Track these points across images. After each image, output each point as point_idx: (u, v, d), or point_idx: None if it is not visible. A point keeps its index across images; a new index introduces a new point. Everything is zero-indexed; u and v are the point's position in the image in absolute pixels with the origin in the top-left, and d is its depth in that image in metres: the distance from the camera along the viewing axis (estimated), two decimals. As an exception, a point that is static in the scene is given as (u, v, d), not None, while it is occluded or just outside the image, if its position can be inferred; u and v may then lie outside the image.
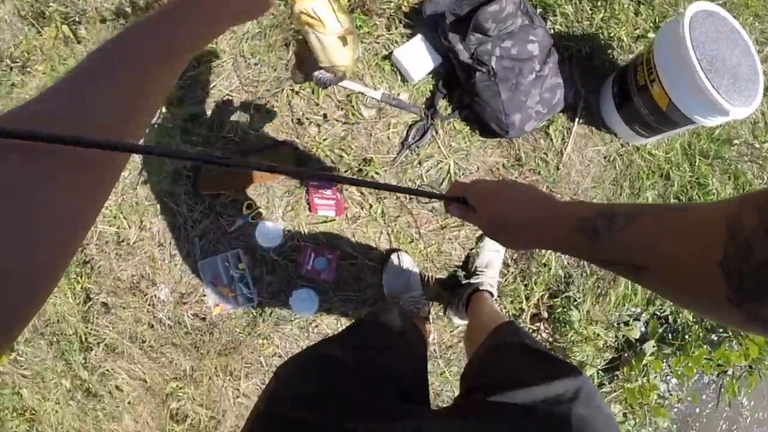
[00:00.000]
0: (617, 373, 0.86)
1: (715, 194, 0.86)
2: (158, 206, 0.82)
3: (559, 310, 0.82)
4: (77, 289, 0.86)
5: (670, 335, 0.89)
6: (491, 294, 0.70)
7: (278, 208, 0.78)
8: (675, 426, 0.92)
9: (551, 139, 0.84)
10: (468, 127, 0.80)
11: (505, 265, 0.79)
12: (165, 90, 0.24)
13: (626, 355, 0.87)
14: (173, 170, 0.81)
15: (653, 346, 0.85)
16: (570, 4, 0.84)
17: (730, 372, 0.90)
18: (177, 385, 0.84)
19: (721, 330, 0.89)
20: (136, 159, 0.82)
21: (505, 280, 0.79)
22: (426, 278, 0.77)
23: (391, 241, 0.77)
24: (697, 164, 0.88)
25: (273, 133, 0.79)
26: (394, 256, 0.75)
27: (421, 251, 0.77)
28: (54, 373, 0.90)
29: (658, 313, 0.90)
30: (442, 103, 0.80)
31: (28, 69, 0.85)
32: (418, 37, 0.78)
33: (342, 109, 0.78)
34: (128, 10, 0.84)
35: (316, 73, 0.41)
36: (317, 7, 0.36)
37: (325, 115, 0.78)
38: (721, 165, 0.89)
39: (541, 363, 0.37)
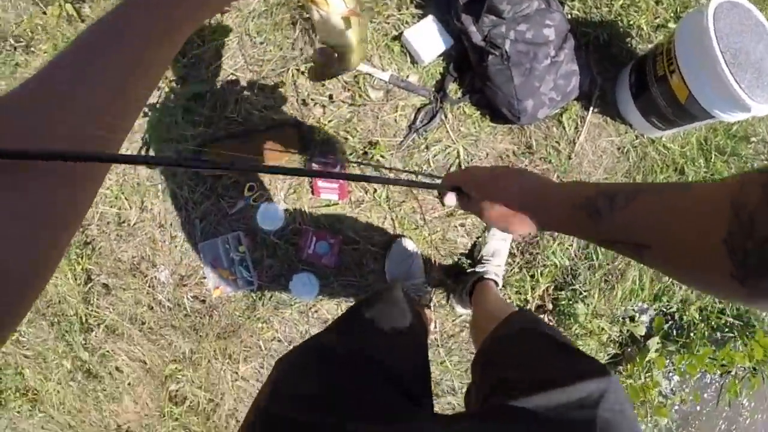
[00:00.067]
0: (620, 368, 0.85)
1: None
2: (159, 187, 0.81)
3: (564, 303, 0.80)
4: (78, 270, 0.86)
5: (675, 332, 0.88)
6: (496, 283, 0.69)
7: (280, 190, 0.76)
8: (675, 423, 0.91)
9: (564, 128, 0.81)
10: (478, 112, 0.78)
11: (511, 255, 0.77)
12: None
13: (630, 350, 0.85)
14: (174, 150, 0.79)
15: (658, 343, 0.84)
16: (589, -13, 0.81)
17: (733, 372, 0.89)
18: (176, 368, 0.84)
19: (726, 330, 0.88)
20: (138, 140, 0.81)
21: (511, 271, 0.77)
22: (429, 265, 0.75)
23: (395, 226, 0.76)
24: (712, 160, 0.85)
25: (277, 113, 0.77)
26: (397, 242, 0.73)
27: (426, 238, 0.75)
28: (55, 354, 0.90)
29: (665, 310, 0.88)
30: (452, 87, 0.77)
31: (32, 48, 0.84)
32: (430, 17, 0.75)
33: (348, 90, 0.76)
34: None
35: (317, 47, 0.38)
36: None
37: (331, 96, 0.76)
38: (737, 162, 0.86)
39: (565, 359, 0.35)
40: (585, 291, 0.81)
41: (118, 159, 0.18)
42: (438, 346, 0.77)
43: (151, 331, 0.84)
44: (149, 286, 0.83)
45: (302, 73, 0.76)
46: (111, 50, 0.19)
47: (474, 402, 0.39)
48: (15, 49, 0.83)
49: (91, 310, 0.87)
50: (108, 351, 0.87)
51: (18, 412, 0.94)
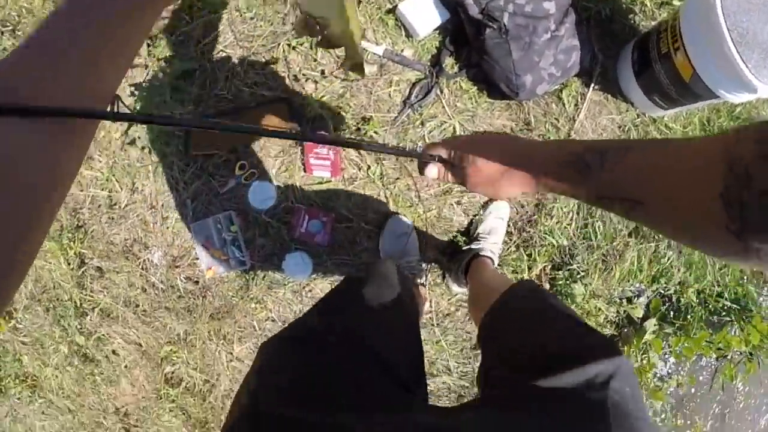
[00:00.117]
0: (617, 350, 0.84)
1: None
2: (150, 168, 0.79)
3: (561, 283, 0.79)
4: (70, 255, 0.85)
5: (672, 314, 0.87)
6: (492, 261, 0.67)
7: (272, 168, 0.75)
8: (669, 405, 0.92)
9: (564, 104, 0.79)
10: (475, 87, 0.75)
11: (508, 233, 0.76)
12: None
13: (626, 331, 0.85)
14: (164, 130, 0.77)
15: (654, 325, 0.83)
16: (591, -43, 0.78)
17: (729, 356, 0.89)
18: (171, 349, 0.84)
19: (723, 313, 0.87)
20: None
21: (507, 249, 0.76)
22: (425, 243, 0.74)
23: (389, 204, 0.74)
24: (715, 139, 0.83)
25: (268, 90, 0.75)
26: (391, 220, 0.72)
27: (421, 216, 0.74)
28: (52, 339, 0.90)
29: (662, 291, 0.88)
30: (448, 61, 0.75)
31: (19, 32, 0.81)
32: (425, -12, 0.72)
33: (341, 64, 0.74)
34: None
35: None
36: None
37: (323, 71, 0.74)
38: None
39: (572, 333, 0.33)
40: (583, 271, 0.80)
41: (124, 117, 0.18)
42: (433, 325, 0.77)
43: (145, 313, 0.83)
44: (142, 269, 0.82)
45: (293, 48, 0.74)
46: (89, 20, 0.19)
47: (477, 380, 0.38)
48: (2, 33, 0.81)
49: (86, 295, 0.86)
50: (103, 335, 0.87)
51: (18, 398, 0.95)
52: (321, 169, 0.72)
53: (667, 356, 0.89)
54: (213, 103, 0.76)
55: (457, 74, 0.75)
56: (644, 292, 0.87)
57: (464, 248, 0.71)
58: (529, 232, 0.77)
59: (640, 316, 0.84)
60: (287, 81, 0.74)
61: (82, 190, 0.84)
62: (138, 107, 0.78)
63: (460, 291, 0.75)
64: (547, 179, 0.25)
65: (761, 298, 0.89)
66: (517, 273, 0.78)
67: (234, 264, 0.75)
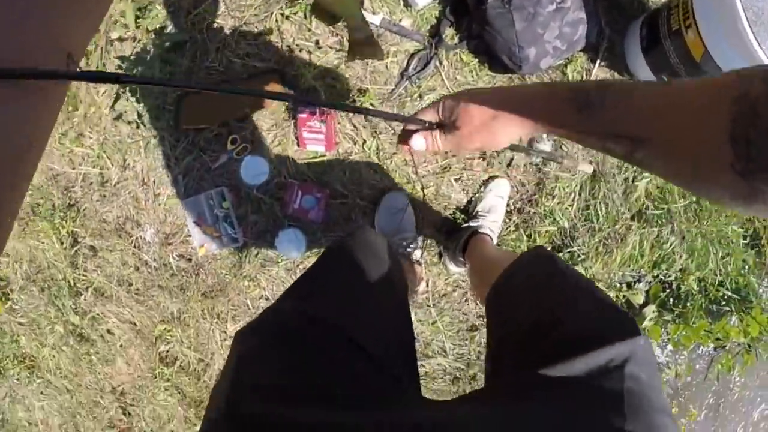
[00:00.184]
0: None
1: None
2: (141, 143, 0.78)
3: (561, 265, 0.78)
4: (63, 234, 0.84)
5: (671, 301, 0.86)
6: (491, 239, 0.66)
7: (264, 142, 0.73)
8: (665, 393, 0.91)
9: (568, 80, 0.76)
10: (476, 60, 0.72)
11: (508, 212, 0.74)
12: None
13: (627, 316, 0.84)
14: (154, 105, 0.75)
15: (654, 312, 0.82)
16: None
17: (727, 347, 0.88)
18: (165, 328, 0.83)
19: (723, 303, 0.86)
20: (112, 93, 0.77)
21: (507, 230, 0.74)
22: (421, 220, 0.72)
23: (385, 179, 0.72)
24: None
25: (260, 61, 0.72)
26: (387, 196, 0.70)
27: (418, 192, 0.72)
28: (47, 320, 0.90)
29: (663, 278, 0.86)
30: (448, 32, 0.72)
31: None
32: (424, -46, 0.69)
33: (336, 35, 0.71)
34: None
35: None
36: None
37: (317, 42, 0.71)
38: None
39: (585, 312, 0.29)
40: (583, 254, 0.78)
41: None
42: (429, 306, 0.75)
43: (138, 292, 0.83)
44: (135, 247, 0.81)
45: (287, 17, 0.71)
46: None
47: (486, 363, 0.35)
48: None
49: (79, 274, 0.86)
50: (98, 314, 0.87)
51: (17, 379, 0.95)
52: (315, 143, 0.70)
53: (665, 344, 0.88)
54: (204, 76, 0.73)
55: (458, 45, 0.72)
56: (644, 278, 0.85)
57: (463, 226, 0.69)
58: (529, 212, 0.75)
59: (641, 302, 0.82)
60: (280, 52, 0.71)
61: (73, 168, 0.83)
62: (132, 84, 0.76)
63: (457, 271, 0.73)
64: (546, 116, 0.24)
65: (761, 290, 0.87)
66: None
67: (226, 241, 0.73)
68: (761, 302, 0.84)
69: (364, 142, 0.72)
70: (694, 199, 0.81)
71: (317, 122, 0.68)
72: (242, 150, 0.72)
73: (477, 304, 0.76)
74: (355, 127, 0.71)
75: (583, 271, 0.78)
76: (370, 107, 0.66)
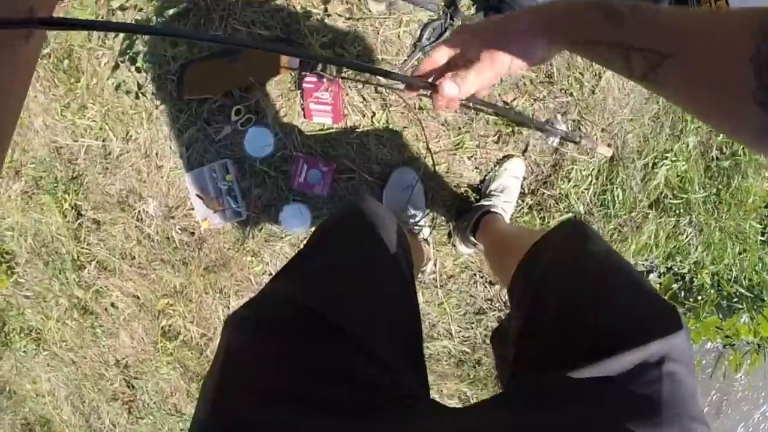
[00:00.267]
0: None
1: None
2: (143, 115, 0.76)
3: (574, 250, 0.75)
4: (65, 207, 0.84)
5: (683, 294, 0.83)
6: (503, 219, 0.63)
7: (269, 113, 0.70)
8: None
9: None
10: (493, 31, 0.68)
11: (521, 193, 0.71)
12: None
13: (638, 306, 0.81)
14: (156, 74, 0.73)
15: (666, 303, 0.79)
16: None
17: (736, 345, 0.85)
18: (168, 302, 0.83)
19: (735, 299, 0.82)
20: (110, 61, 0.74)
21: (519, 211, 0.71)
22: (431, 198, 0.69)
23: (394, 155, 0.70)
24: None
25: (266, 29, 0.69)
26: (396, 172, 0.67)
27: (429, 169, 0.69)
28: (52, 293, 0.91)
29: (676, 269, 0.83)
30: (464, 1, 0.67)
31: None
32: None
33: (346, 2, 0.67)
34: None
35: None
36: None
37: (326, 9, 0.67)
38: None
39: (624, 303, 0.26)
40: (597, 240, 0.75)
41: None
42: (436, 287, 0.74)
43: (141, 266, 0.82)
44: (137, 220, 0.80)
45: (295, -19, 0.67)
46: None
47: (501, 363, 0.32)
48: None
49: (83, 248, 0.85)
50: (101, 287, 0.87)
51: (24, 351, 0.97)
52: (322, 114, 0.67)
53: (675, 335, 0.86)
54: (207, 46, 0.70)
55: (474, 16, 0.67)
56: (657, 269, 0.82)
57: (474, 205, 0.66)
58: (543, 194, 0.72)
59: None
60: (287, 19, 0.68)
61: (76, 141, 0.81)
62: (130, 51, 0.73)
63: (466, 252, 0.71)
64: (574, 25, 0.23)
65: (775, 290, 0.84)
66: (527, 237, 0.74)
67: (230, 215, 0.72)
68: (774, 302, 0.81)
69: (374, 114, 0.68)
70: (714, 190, 0.77)
71: (325, 93, 0.65)
72: (247, 121, 0.70)
73: (485, 286, 0.74)
74: (364, 98, 0.68)
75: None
76: (380, 78, 0.62)
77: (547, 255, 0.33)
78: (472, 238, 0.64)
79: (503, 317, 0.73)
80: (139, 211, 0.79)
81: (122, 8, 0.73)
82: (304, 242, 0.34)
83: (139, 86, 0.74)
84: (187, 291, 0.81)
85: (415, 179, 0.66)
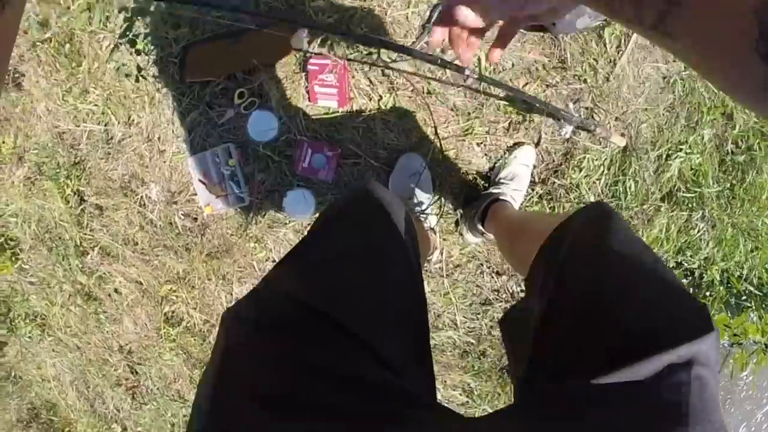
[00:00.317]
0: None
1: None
2: (145, 98, 0.74)
3: (583, 241, 0.73)
4: (68, 193, 0.83)
5: (692, 290, 0.81)
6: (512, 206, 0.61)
7: (273, 97, 0.68)
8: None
9: (605, 44, 0.69)
10: (506, 11, 0.65)
11: (531, 182, 0.69)
12: None
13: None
14: (158, 57, 0.71)
15: (675, 297, 0.77)
16: None
17: (743, 344, 0.83)
18: (171, 288, 0.83)
19: (743, 298, 0.81)
20: (111, 43, 0.73)
21: (529, 200, 0.70)
22: (438, 185, 0.68)
23: (401, 140, 0.68)
24: None
25: (269, 9, 0.66)
26: (403, 158, 0.66)
27: (436, 155, 0.67)
28: (56, 279, 0.91)
29: (686, 265, 0.81)
30: (476, -21, 0.64)
31: None
32: None
33: (353, -20, 0.65)
34: None
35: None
36: None
37: (332, -13, 0.65)
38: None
39: (655, 298, 0.24)
40: (607, 232, 0.73)
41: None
42: (442, 276, 0.72)
43: (144, 252, 0.82)
44: (140, 205, 0.79)
45: (300, -41, 0.65)
46: None
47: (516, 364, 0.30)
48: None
49: (85, 234, 0.85)
50: (104, 273, 0.87)
51: (29, 337, 0.97)
52: (327, 98, 0.66)
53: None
54: (210, 27, 0.68)
55: (487, -5, 0.65)
56: (666, 263, 0.80)
57: (483, 193, 0.65)
58: (554, 183, 0.70)
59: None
60: (291, 0, 0.66)
61: (78, 126, 0.80)
62: (130, 33, 0.72)
63: (473, 241, 0.69)
64: None
65: (786, 290, 0.82)
66: (535, 227, 0.72)
67: (233, 200, 0.71)
68: (784, 302, 0.79)
69: (380, 98, 0.66)
70: (728, 185, 0.75)
71: (330, 75, 0.63)
72: (250, 105, 0.68)
73: (492, 277, 0.73)
74: (370, 81, 0.66)
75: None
76: (388, 60, 0.60)
77: (569, 240, 0.30)
78: (480, 227, 0.62)
79: (514, 303, 0.71)
80: (141, 197, 0.79)
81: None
82: (308, 228, 0.33)
83: (139, 69, 0.73)
84: (189, 277, 0.81)
85: (422, 165, 0.65)
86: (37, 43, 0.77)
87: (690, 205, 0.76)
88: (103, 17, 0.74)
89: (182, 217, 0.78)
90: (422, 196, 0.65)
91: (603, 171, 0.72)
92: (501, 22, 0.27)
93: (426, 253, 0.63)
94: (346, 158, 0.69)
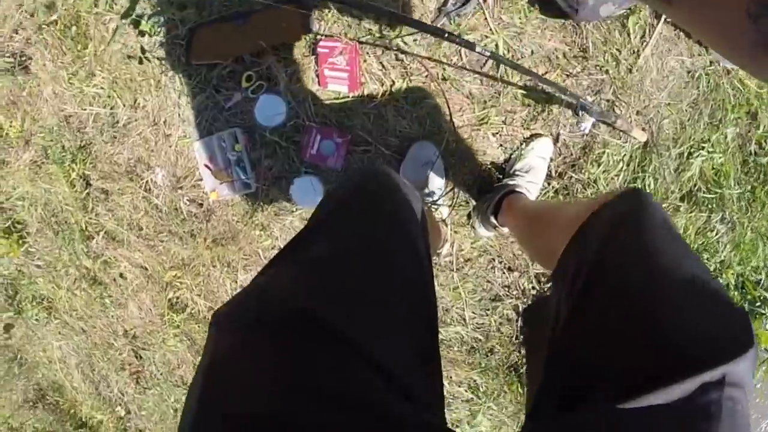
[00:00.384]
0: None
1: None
2: (151, 82, 0.73)
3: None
4: (73, 177, 0.83)
5: None
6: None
7: (282, 80, 0.66)
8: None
9: (628, 34, 0.65)
10: (526, 0, 0.62)
11: (548, 176, 0.67)
12: None
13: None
14: (164, 39, 0.69)
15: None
16: None
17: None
18: (175, 275, 0.82)
19: (758, 304, 0.78)
20: (114, 25, 0.71)
21: (544, 193, 0.67)
22: (451, 176, 0.66)
23: (414, 127, 0.66)
24: (794, 107, 0.69)
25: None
26: (415, 146, 0.63)
27: (450, 144, 0.65)
28: (62, 263, 0.91)
29: None
30: (497, -40, 0.61)
31: None
32: None
33: (368, -41, 0.62)
34: None
35: None
36: None
37: (345, -33, 0.62)
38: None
39: (696, 312, 0.22)
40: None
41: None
42: (452, 270, 0.70)
43: (149, 237, 0.81)
44: (145, 190, 0.78)
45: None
46: None
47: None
48: None
49: (91, 218, 0.85)
50: (110, 258, 0.86)
51: (36, 320, 0.98)
52: (337, 82, 0.63)
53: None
54: (216, 8, 0.66)
55: (507, -22, 0.62)
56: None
57: (497, 185, 0.62)
58: (571, 177, 0.68)
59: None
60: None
61: (84, 109, 0.79)
62: (134, 14, 0.70)
63: (486, 235, 0.67)
64: None
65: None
66: (549, 222, 0.70)
67: (239, 187, 0.69)
68: (797, 310, 0.76)
69: (393, 83, 0.64)
70: (750, 187, 0.72)
71: (341, 58, 0.61)
72: (258, 88, 0.67)
73: (503, 272, 0.71)
74: (383, 66, 0.64)
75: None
76: (402, 44, 0.58)
77: (602, 234, 0.27)
78: (493, 220, 0.60)
79: (537, 296, 0.68)
80: (147, 181, 0.78)
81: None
82: (311, 216, 0.29)
83: (143, 50, 0.71)
84: (194, 263, 0.80)
85: (435, 154, 0.62)
86: (44, 26, 0.76)
87: (710, 207, 0.73)
88: (110, 0, 0.72)
89: (187, 203, 0.77)
90: (434, 187, 0.63)
91: (622, 167, 0.69)
92: None
93: (437, 245, 0.61)
94: (356, 145, 0.67)
